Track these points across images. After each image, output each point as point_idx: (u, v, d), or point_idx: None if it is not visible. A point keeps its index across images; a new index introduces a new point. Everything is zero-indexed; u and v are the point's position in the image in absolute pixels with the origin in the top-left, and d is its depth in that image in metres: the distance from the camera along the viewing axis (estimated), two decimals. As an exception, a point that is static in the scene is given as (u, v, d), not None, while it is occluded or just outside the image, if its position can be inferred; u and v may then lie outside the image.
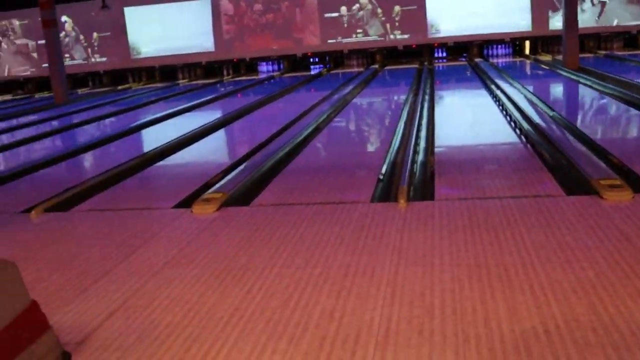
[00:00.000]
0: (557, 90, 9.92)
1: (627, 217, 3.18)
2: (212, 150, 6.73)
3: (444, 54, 15.72)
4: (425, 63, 14.72)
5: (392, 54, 15.60)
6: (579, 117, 7.19)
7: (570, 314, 2.21)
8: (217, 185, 4.42)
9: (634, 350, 1.95)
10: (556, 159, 4.70)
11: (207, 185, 4.55)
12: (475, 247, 2.92)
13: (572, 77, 10.10)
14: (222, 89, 13.33)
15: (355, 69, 15.02)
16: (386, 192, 4.21)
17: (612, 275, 2.50)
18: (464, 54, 15.39)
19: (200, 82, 15.43)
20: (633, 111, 6.81)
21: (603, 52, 14.30)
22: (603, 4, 14.41)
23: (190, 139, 6.93)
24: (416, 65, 14.41)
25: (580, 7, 14.03)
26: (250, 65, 16.47)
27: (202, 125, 7.73)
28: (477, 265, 2.71)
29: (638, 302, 2.27)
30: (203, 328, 2.32)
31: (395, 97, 10.01)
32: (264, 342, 2.17)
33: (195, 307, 2.50)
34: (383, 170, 4.70)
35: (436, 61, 15.33)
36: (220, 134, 7.65)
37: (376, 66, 15.01)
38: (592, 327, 2.11)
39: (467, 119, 7.37)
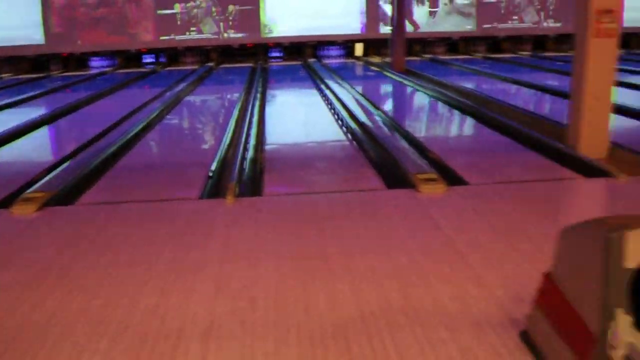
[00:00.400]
0: (384, 90, 10.39)
1: (439, 208, 3.43)
2: (35, 147, 6.38)
3: (281, 54, 15.94)
4: (260, 62, 14.86)
5: (227, 52, 15.58)
6: (403, 116, 7.59)
7: (384, 299, 2.36)
8: (39, 184, 4.22)
9: (438, 328, 2.13)
10: (380, 155, 4.95)
11: (29, 185, 4.32)
12: (300, 240, 3.03)
13: (398, 78, 10.64)
14: (50, 84, 12.64)
15: (190, 67, 14.84)
16: (216, 188, 4.23)
17: (423, 260, 2.70)
18: (298, 55, 15.69)
19: (26, 76, 14.52)
20: (452, 111, 7.32)
21: (428, 56, 15.18)
22: (432, 13, 15.34)
23: (12, 136, 6.52)
24: (251, 64, 14.50)
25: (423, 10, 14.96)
26: (82, 60, 15.74)
27: (26, 122, 7.30)
28: (300, 257, 2.80)
29: (444, 282, 2.47)
30: (19, 332, 2.22)
31: (229, 95, 10.02)
32: (83, 344, 2.12)
33: (10, 311, 2.38)
34: (213, 167, 4.71)
35: (272, 61, 15.52)
36: (45, 131, 7.26)
37: (211, 64, 14.93)
38: (403, 309, 2.27)
39: (297, 117, 7.54)
